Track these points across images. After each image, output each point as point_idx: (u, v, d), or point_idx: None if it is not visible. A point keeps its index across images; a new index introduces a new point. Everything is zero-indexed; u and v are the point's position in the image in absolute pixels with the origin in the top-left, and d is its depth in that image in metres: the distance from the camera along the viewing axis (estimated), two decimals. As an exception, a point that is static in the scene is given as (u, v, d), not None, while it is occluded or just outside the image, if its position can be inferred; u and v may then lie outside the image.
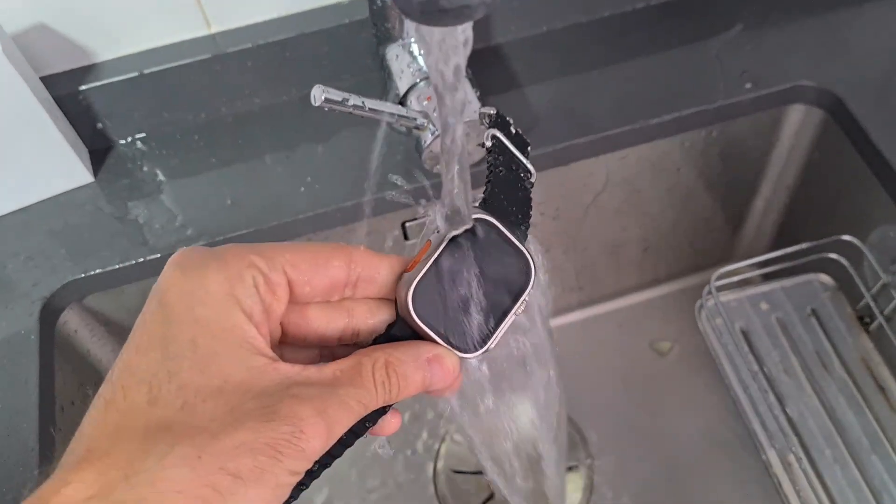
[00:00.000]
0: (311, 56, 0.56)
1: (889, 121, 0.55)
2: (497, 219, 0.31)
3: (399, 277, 0.31)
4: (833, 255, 0.59)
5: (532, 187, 0.32)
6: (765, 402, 0.56)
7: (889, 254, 0.56)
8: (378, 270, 0.31)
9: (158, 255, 0.53)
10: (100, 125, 0.57)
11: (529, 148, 0.32)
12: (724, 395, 0.65)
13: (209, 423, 0.25)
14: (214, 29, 0.56)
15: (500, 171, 0.31)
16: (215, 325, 0.27)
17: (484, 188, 0.31)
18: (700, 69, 0.59)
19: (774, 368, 0.59)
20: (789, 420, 0.56)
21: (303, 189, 0.55)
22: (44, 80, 0.53)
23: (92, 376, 0.58)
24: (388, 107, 0.44)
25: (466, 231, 0.30)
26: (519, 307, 0.31)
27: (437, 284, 0.30)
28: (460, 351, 0.30)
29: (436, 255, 0.30)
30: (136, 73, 0.55)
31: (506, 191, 0.31)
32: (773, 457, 0.55)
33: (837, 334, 0.60)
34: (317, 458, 0.27)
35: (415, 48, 0.50)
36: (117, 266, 0.53)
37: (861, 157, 0.56)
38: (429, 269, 0.30)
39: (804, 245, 0.58)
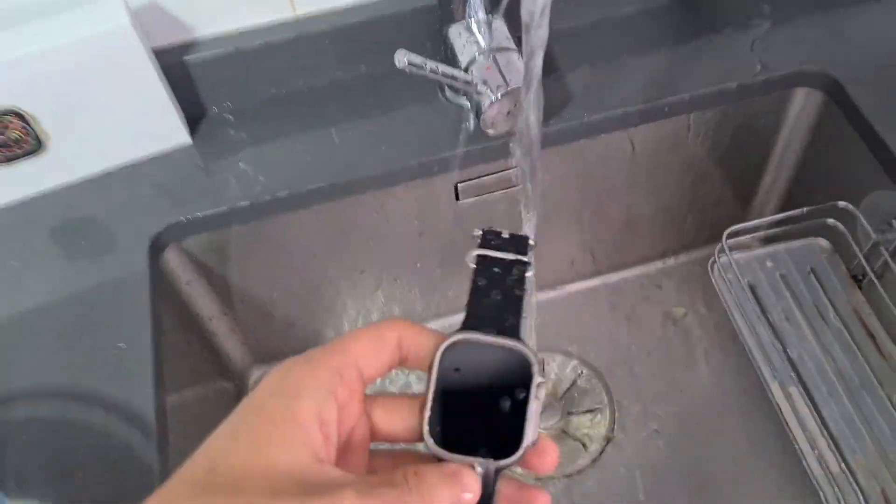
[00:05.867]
0: (382, 37, 0.65)
1: (880, 101, 0.63)
2: (479, 330, 0.32)
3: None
4: (830, 221, 0.68)
5: (524, 280, 0.33)
6: (770, 344, 0.64)
7: (879, 216, 0.64)
8: (424, 348, 0.33)
9: (246, 203, 0.62)
10: (196, 94, 0.66)
11: (531, 241, 0.34)
12: (734, 347, 0.74)
13: (248, 496, 0.28)
14: (299, 12, 0.65)
15: (481, 283, 0.33)
16: (279, 417, 0.30)
17: (467, 303, 0.33)
18: (719, 56, 0.68)
19: (778, 317, 0.67)
20: (790, 360, 0.64)
21: (370, 152, 0.64)
22: (154, 51, 0.62)
23: (182, 310, 0.67)
24: (457, 73, 0.53)
25: (455, 349, 0.32)
26: (535, 396, 0.32)
27: (448, 409, 0.32)
28: (495, 461, 0.31)
29: (433, 385, 0.32)
30: (230, 50, 0.64)
31: (486, 299, 0.33)
32: (775, 389, 0.63)
33: (834, 290, 0.68)
34: None
35: (474, 26, 0.58)
36: (210, 212, 0.62)
37: (856, 132, 0.64)
38: (433, 399, 0.31)
39: (804, 209, 0.67)
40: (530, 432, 0.31)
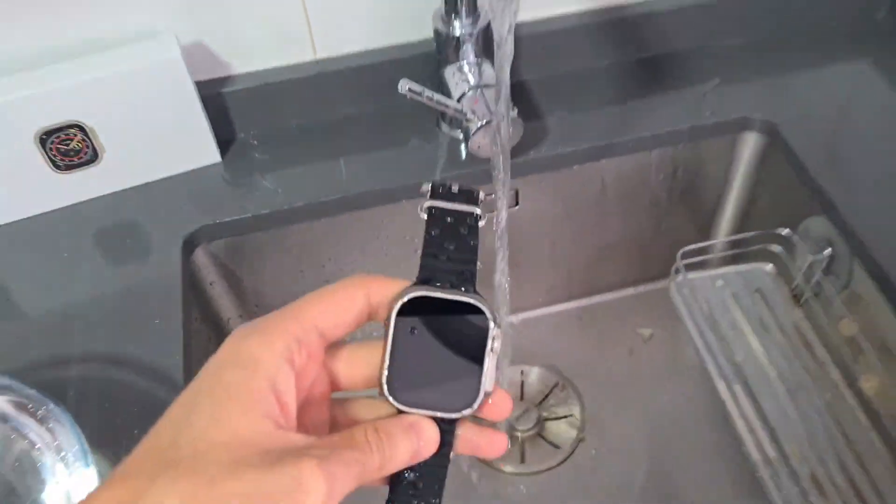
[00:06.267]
0: (389, 78, 0.76)
1: (812, 144, 0.74)
2: (430, 286, 0.32)
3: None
4: (774, 247, 0.78)
5: (478, 229, 0.33)
6: (717, 348, 0.73)
7: (813, 240, 0.74)
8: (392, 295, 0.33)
9: (266, 211, 0.72)
10: (228, 121, 0.77)
11: (481, 193, 0.34)
12: (693, 362, 0.83)
13: (211, 469, 0.28)
14: (319, 55, 0.76)
15: (435, 233, 0.33)
16: (235, 389, 0.30)
17: (421, 255, 0.33)
18: (677, 106, 0.79)
19: (726, 328, 0.76)
20: (735, 364, 0.73)
21: (375, 173, 0.74)
22: (196, 82, 0.73)
23: (205, 308, 0.77)
24: (449, 102, 0.64)
25: (410, 307, 0.32)
26: (491, 349, 0.32)
27: (406, 363, 0.32)
28: (453, 412, 0.32)
29: (391, 340, 0.32)
30: (258, 84, 0.76)
31: (441, 250, 0.33)
32: (721, 386, 0.71)
33: (776, 307, 0.78)
34: None
35: (465, 68, 0.70)
36: (234, 218, 0.72)
37: (793, 170, 0.75)
38: (391, 354, 0.32)
39: (750, 234, 0.77)
40: (486, 382, 0.32)
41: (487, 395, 0.32)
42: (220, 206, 0.73)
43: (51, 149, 0.68)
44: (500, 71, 0.44)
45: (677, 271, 0.76)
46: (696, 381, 0.83)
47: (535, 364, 0.88)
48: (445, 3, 0.68)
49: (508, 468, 0.81)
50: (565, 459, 0.81)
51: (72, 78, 0.66)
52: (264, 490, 0.27)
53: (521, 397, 0.86)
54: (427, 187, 0.33)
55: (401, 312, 0.32)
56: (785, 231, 0.76)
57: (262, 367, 0.30)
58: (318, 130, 0.79)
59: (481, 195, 0.34)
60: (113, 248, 0.71)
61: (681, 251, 0.75)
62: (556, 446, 0.82)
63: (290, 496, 0.27)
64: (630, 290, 0.93)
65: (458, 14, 0.68)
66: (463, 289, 0.33)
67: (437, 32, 0.70)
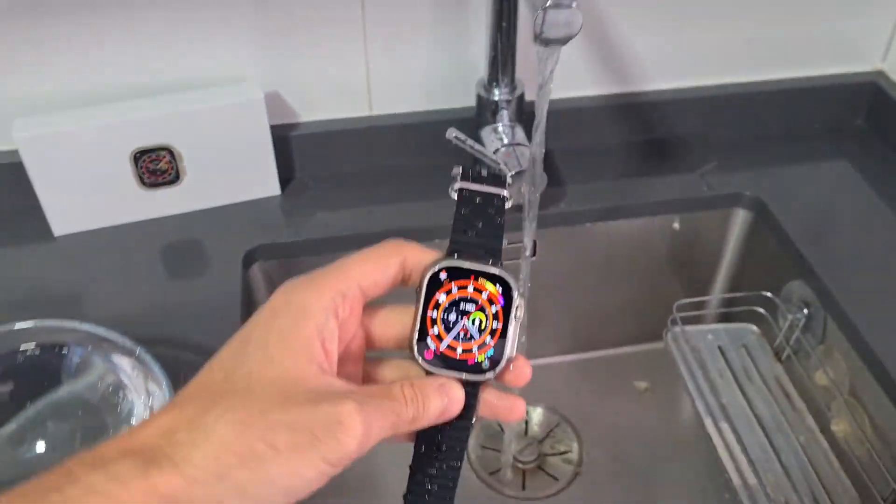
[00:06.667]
0: (433, 135, 0.88)
1: (795, 219, 0.85)
2: (464, 257, 0.35)
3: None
4: (759, 309, 0.88)
5: (504, 209, 0.36)
6: (707, 390, 0.82)
7: (793, 301, 0.84)
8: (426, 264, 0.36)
9: (316, 237, 0.83)
10: (291, 161, 0.89)
11: (508, 177, 0.39)
12: (683, 400, 0.91)
13: (264, 401, 0.30)
14: (374, 112, 0.89)
15: (465, 212, 0.36)
16: (286, 333, 0.32)
17: (452, 231, 0.36)
18: (678, 181, 0.91)
19: (714, 374, 0.85)
20: (722, 406, 0.82)
21: (416, 215, 0.86)
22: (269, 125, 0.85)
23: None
24: (487, 152, 0.76)
25: (440, 274, 0.35)
26: (515, 317, 0.35)
27: (435, 328, 0.35)
28: (481, 374, 0.35)
29: (422, 307, 0.35)
30: (319, 132, 0.88)
31: (470, 227, 0.36)
32: (708, 423, 0.80)
33: (759, 361, 0.87)
34: (352, 455, 0.30)
35: (500, 128, 0.82)
36: (288, 240, 0.83)
37: (778, 241, 0.86)
38: (421, 320, 0.35)
39: (737, 294, 0.87)
40: (509, 349, 0.35)
41: (510, 360, 0.35)
42: (276, 230, 0.84)
43: (142, 167, 0.80)
44: (539, 109, 0.55)
45: (674, 322, 0.86)
46: (687, 426, 0.92)
47: (540, 405, 0.96)
48: (489, 73, 0.81)
49: (510, 492, 0.88)
50: (562, 490, 0.88)
51: (169, 108, 0.78)
52: (308, 424, 0.30)
53: (525, 433, 0.94)
54: (458, 170, 0.36)
55: (431, 281, 0.35)
56: (769, 294, 0.86)
57: (311, 316, 0.33)
58: (367, 176, 0.90)
59: (508, 179, 0.37)
60: (181, 260, 0.81)
61: (676, 304, 0.85)
62: (555, 478, 0.90)
63: (329, 432, 0.30)
64: (629, 348, 1.02)
65: (498, 83, 0.81)
66: (490, 262, 0.35)
67: (479, 97, 0.82)
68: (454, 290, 0.35)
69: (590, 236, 0.91)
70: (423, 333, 0.35)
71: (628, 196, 0.89)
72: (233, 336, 0.34)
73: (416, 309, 0.35)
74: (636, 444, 0.91)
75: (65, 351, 0.59)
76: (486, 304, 0.35)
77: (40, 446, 0.56)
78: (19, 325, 0.58)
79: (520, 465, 0.91)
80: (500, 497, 0.88)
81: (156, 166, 0.80)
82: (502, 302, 0.35)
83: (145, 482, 0.28)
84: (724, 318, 0.95)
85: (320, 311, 0.33)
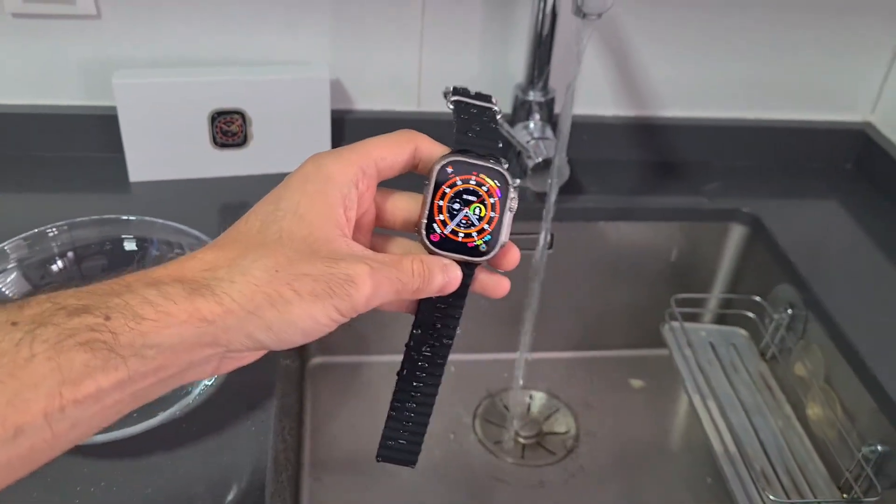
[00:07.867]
0: (469, 131, 1.00)
1: (787, 233, 0.96)
2: (462, 153, 0.39)
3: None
4: (749, 313, 0.98)
5: (496, 119, 0.40)
6: (697, 371, 0.91)
7: (779, 303, 0.94)
8: (434, 158, 0.39)
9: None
10: (341, 142, 1.00)
11: (494, 98, 0.41)
12: (676, 388, 1.00)
13: (292, 253, 0.34)
14: (422, 107, 1.01)
15: (464, 117, 0.40)
16: (315, 197, 0.36)
17: (455, 131, 0.40)
18: (684, 195, 1.02)
19: (707, 365, 0.94)
20: (711, 388, 0.91)
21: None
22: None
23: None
24: (521, 136, 0.88)
25: (447, 168, 0.39)
26: (509, 207, 0.39)
27: (441, 215, 0.39)
28: (478, 256, 0.39)
29: (430, 193, 0.39)
30: (370, 119, 0.99)
31: (470, 129, 0.39)
32: (697, 401, 0.89)
33: (746, 358, 0.96)
34: (359, 309, 0.34)
35: (531, 125, 0.93)
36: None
37: (769, 253, 0.96)
38: (430, 209, 0.39)
39: (732, 295, 0.97)
40: (503, 236, 0.39)
41: (503, 246, 0.39)
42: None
43: (216, 127, 0.91)
44: (566, 103, 0.67)
45: (672, 316, 0.96)
46: (681, 413, 1.00)
47: (542, 392, 1.05)
48: (526, 77, 0.93)
49: (510, 459, 0.96)
50: (558, 462, 0.96)
51: (248, 76, 0.90)
52: (327, 277, 0.34)
53: (528, 414, 1.02)
54: (449, 87, 0.41)
55: (440, 173, 0.39)
56: (758, 298, 0.96)
57: (337, 184, 0.37)
58: (407, 163, 1.01)
59: (493, 98, 0.41)
60: (236, 218, 0.91)
61: (674, 297, 0.95)
62: (552, 452, 0.97)
63: (343, 287, 0.34)
64: (626, 352, 1.11)
65: (534, 87, 0.93)
66: (491, 160, 0.39)
67: (515, 98, 0.94)
68: (458, 182, 0.39)
69: (600, 235, 1.01)
70: (431, 219, 0.39)
71: (638, 202, 0.99)
72: (268, 194, 0.38)
73: (425, 197, 0.39)
74: (632, 431, 0.99)
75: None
76: (486, 196, 0.39)
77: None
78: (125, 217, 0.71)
79: (521, 440, 0.98)
80: (501, 462, 0.95)
81: (228, 128, 0.91)
82: (499, 195, 0.39)
83: (191, 305, 0.32)
84: (718, 321, 1.04)
85: (345, 182, 0.37)
